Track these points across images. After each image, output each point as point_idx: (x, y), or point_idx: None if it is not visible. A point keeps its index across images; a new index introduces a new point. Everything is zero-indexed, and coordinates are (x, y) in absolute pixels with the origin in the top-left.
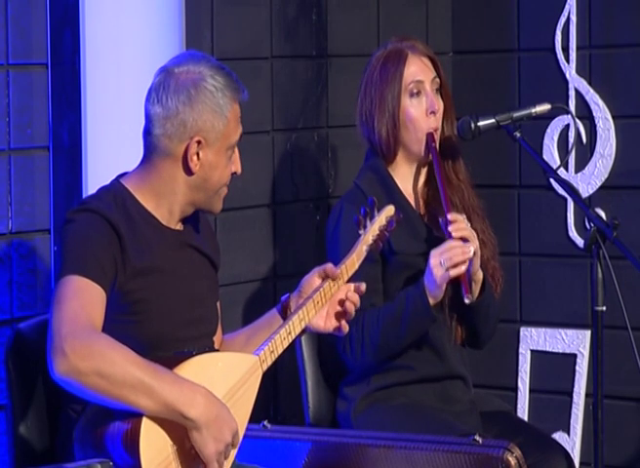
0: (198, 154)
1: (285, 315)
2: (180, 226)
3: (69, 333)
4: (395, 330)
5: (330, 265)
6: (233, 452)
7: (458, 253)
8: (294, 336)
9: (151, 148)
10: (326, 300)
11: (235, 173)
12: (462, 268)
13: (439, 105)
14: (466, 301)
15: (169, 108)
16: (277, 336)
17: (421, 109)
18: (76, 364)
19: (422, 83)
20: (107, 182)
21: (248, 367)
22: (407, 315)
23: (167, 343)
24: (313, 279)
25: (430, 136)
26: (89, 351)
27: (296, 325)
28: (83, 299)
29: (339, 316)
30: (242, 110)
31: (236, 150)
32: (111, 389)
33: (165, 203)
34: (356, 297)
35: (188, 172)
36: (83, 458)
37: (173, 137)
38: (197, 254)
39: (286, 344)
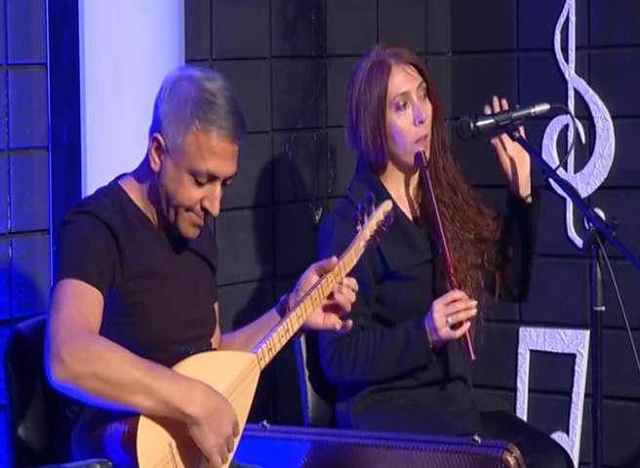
0: (160, 156)
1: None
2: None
3: (66, 338)
4: (391, 365)
5: (326, 260)
6: (236, 442)
7: (462, 309)
8: (292, 334)
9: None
10: (324, 297)
11: (209, 213)
12: (467, 325)
13: (427, 112)
14: (472, 359)
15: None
16: (275, 334)
17: (409, 121)
18: (73, 368)
19: (408, 93)
20: (106, 183)
21: (245, 365)
22: (406, 356)
23: (165, 345)
24: (311, 276)
25: (419, 156)
26: (85, 354)
27: (294, 322)
28: (80, 303)
29: (337, 312)
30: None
31: (217, 188)
32: (109, 391)
33: (152, 206)
34: (351, 294)
35: (151, 168)
36: (81, 459)
37: (151, 128)
38: (195, 257)
39: (284, 342)
